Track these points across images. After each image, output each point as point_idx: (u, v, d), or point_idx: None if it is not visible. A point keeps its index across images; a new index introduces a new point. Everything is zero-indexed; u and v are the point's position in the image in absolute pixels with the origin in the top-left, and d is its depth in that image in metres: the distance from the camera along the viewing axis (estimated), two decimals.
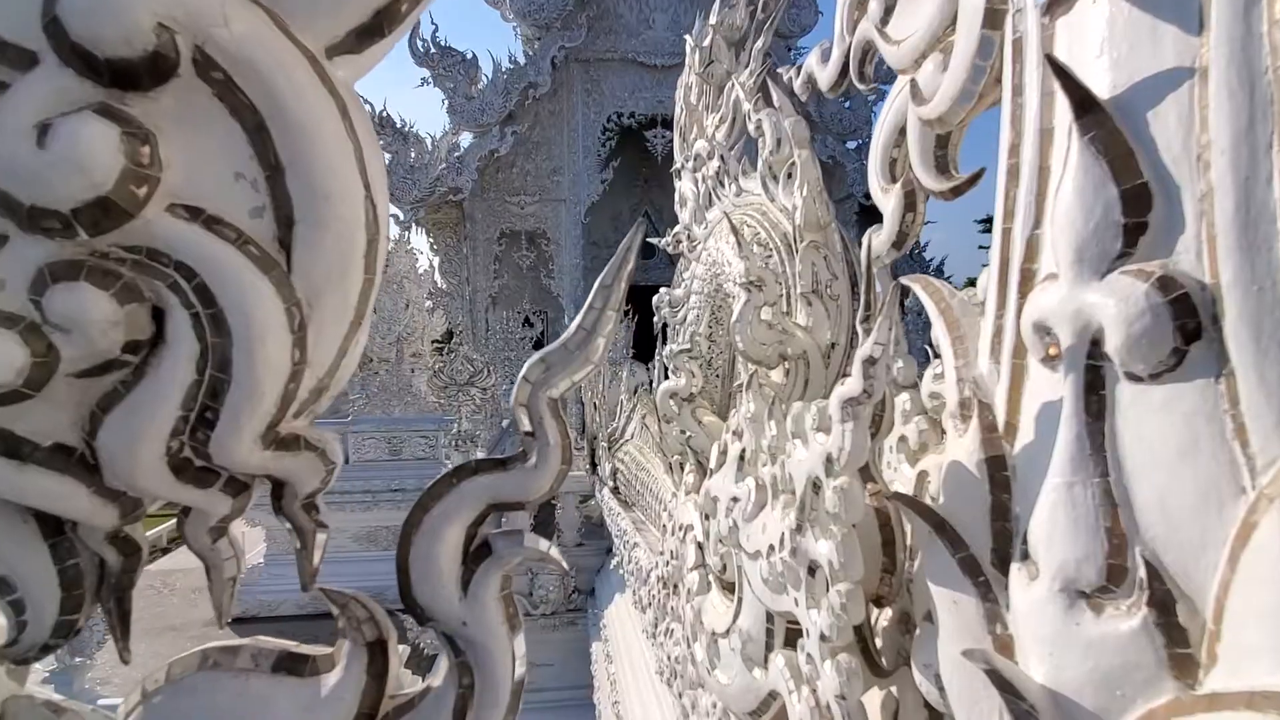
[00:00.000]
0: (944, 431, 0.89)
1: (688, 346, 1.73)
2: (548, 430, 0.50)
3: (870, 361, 0.70)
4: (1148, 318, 0.47)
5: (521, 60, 12.47)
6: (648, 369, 5.90)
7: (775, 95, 1.64)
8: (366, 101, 10.64)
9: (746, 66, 2.31)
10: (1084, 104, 0.52)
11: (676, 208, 3.01)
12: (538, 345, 13.95)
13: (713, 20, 2.60)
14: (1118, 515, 0.50)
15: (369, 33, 0.44)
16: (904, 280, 0.95)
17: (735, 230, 1.49)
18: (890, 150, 1.20)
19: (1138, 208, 0.49)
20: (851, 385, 0.73)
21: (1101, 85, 0.53)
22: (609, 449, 6.02)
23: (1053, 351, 0.56)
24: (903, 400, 1.12)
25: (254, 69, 0.38)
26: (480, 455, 7.44)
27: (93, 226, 0.36)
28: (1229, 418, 0.44)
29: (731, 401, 2.30)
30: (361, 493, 9.66)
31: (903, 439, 1.10)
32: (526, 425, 0.51)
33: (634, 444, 4.92)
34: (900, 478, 1.09)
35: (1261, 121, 0.43)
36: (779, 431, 0.99)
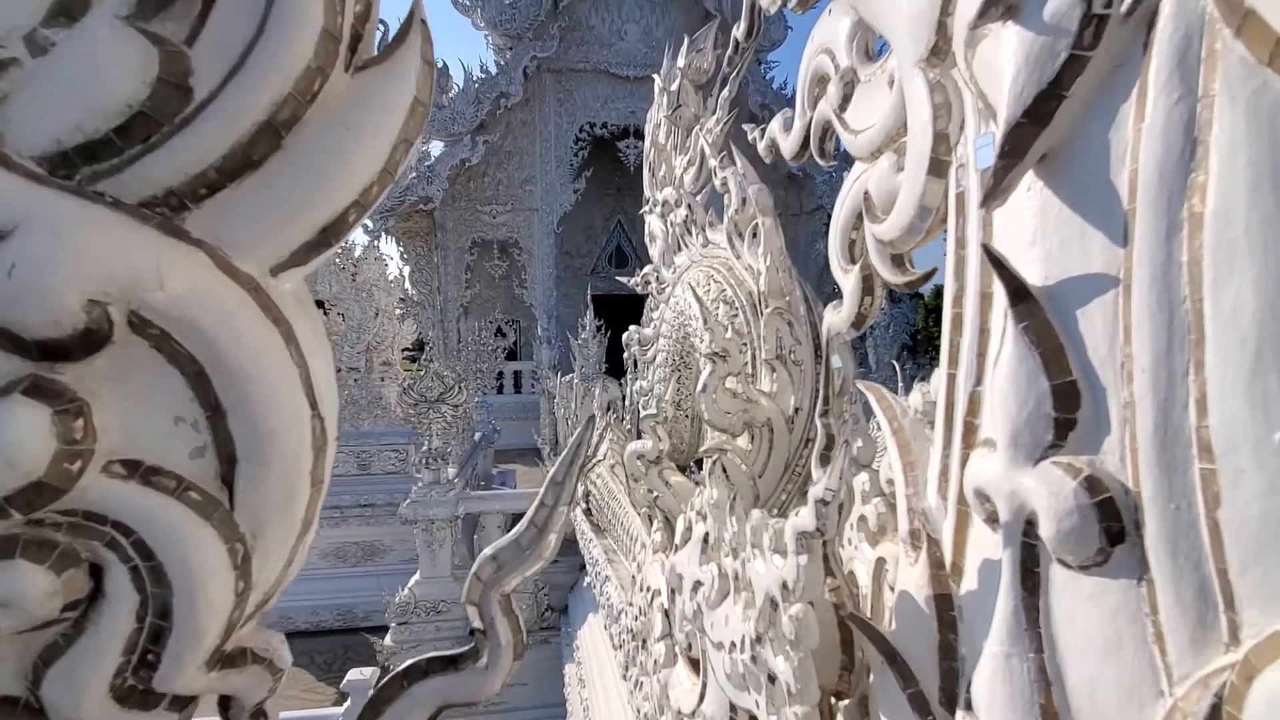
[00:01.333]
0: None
1: (654, 411, 1.74)
2: (499, 629, 0.50)
3: (823, 503, 0.71)
4: (1076, 517, 0.49)
5: (493, 70, 12.40)
6: (620, 384, 5.90)
7: (739, 162, 1.66)
8: None
9: (714, 114, 2.34)
10: (1018, 294, 0.54)
11: (646, 240, 3.02)
12: (511, 355, 13.85)
13: (680, 64, 2.62)
14: (1051, 694, 0.52)
15: (316, 246, 0.44)
16: (860, 385, 0.98)
17: (701, 302, 1.50)
18: (849, 232, 1.22)
19: (1067, 404, 0.51)
20: (805, 520, 0.74)
21: (1034, 274, 0.55)
22: (581, 468, 5.97)
23: (992, 517, 0.59)
24: (861, 481, 1.14)
25: (192, 324, 0.37)
26: (451, 472, 7.35)
27: (26, 507, 0.35)
28: (1150, 622, 0.46)
29: (700, 443, 2.31)
30: (330, 508, 9.48)
31: (862, 518, 1.13)
32: (477, 623, 0.51)
33: (606, 465, 4.91)
34: (861, 558, 1.12)
35: (1179, 348, 0.45)
36: (739, 529, 1.01)
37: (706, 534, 1.19)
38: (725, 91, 2.36)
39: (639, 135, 13.36)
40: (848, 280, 1.24)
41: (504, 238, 13.42)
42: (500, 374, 13.62)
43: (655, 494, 1.68)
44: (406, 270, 13.18)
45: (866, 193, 0.94)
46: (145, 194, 0.38)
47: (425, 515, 6.67)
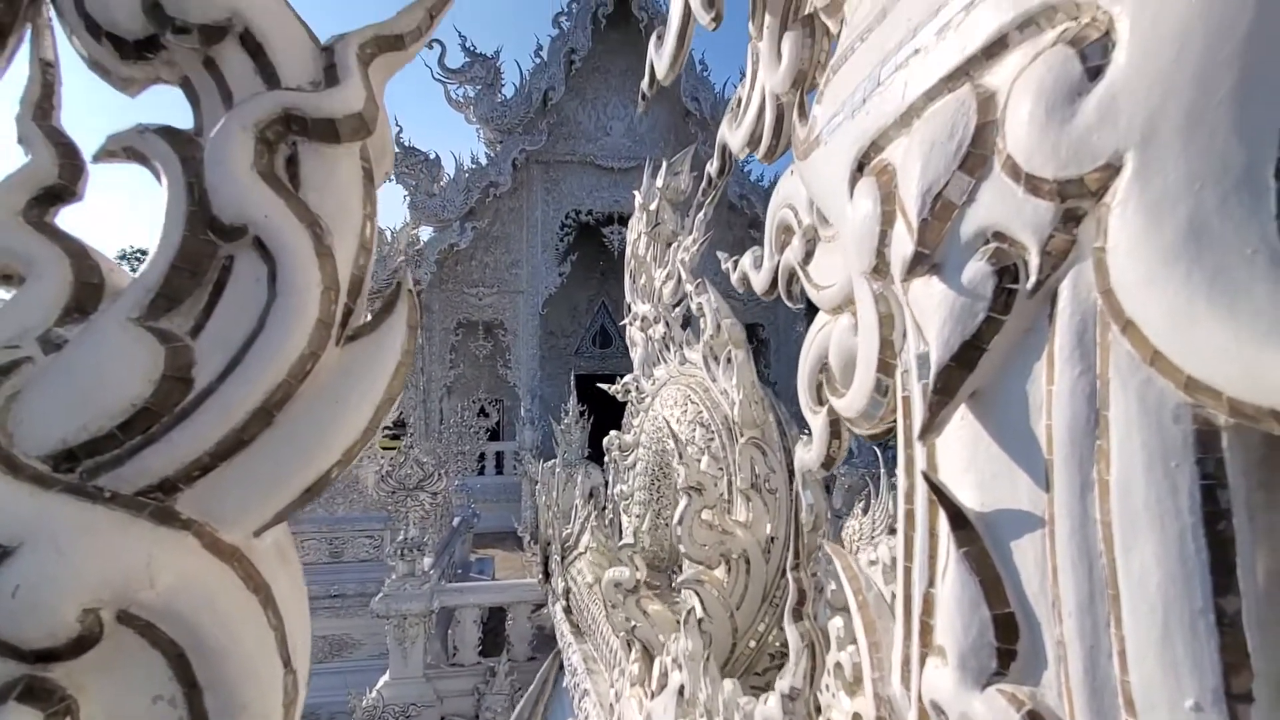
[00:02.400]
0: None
1: (630, 541, 1.75)
2: None
3: (789, 698, 0.73)
4: None
5: (483, 161, 12.92)
6: (603, 470, 5.85)
7: (712, 296, 1.74)
8: None
9: (690, 234, 2.46)
10: (957, 520, 0.58)
11: (627, 342, 3.10)
12: (493, 435, 13.72)
13: (659, 184, 2.77)
14: None
15: (299, 504, 0.47)
16: (828, 548, 1.00)
17: (676, 437, 1.54)
18: (816, 374, 1.28)
19: (1007, 635, 0.54)
20: (772, 711, 0.75)
21: (971, 498, 0.60)
22: (562, 560, 5.86)
23: None
24: (836, 626, 1.15)
25: (177, 615, 0.40)
26: (427, 562, 7.11)
27: None
28: None
29: (677, 560, 2.30)
30: None
31: (839, 665, 1.13)
32: None
33: (587, 559, 4.80)
34: (838, 708, 1.11)
35: (1100, 600, 0.49)
36: (713, 693, 1.00)
37: (682, 686, 1.18)
38: (702, 214, 2.49)
39: (623, 222, 13.88)
40: (816, 421, 1.29)
41: (489, 319, 13.59)
42: (482, 455, 13.44)
43: (633, 623, 1.66)
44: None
45: (826, 364, 1.00)
46: (142, 484, 0.42)
47: (398, 610, 6.41)
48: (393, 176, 12.55)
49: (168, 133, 0.48)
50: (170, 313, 0.45)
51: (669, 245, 2.68)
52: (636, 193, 3.02)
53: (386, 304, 0.51)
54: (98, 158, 0.50)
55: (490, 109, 12.90)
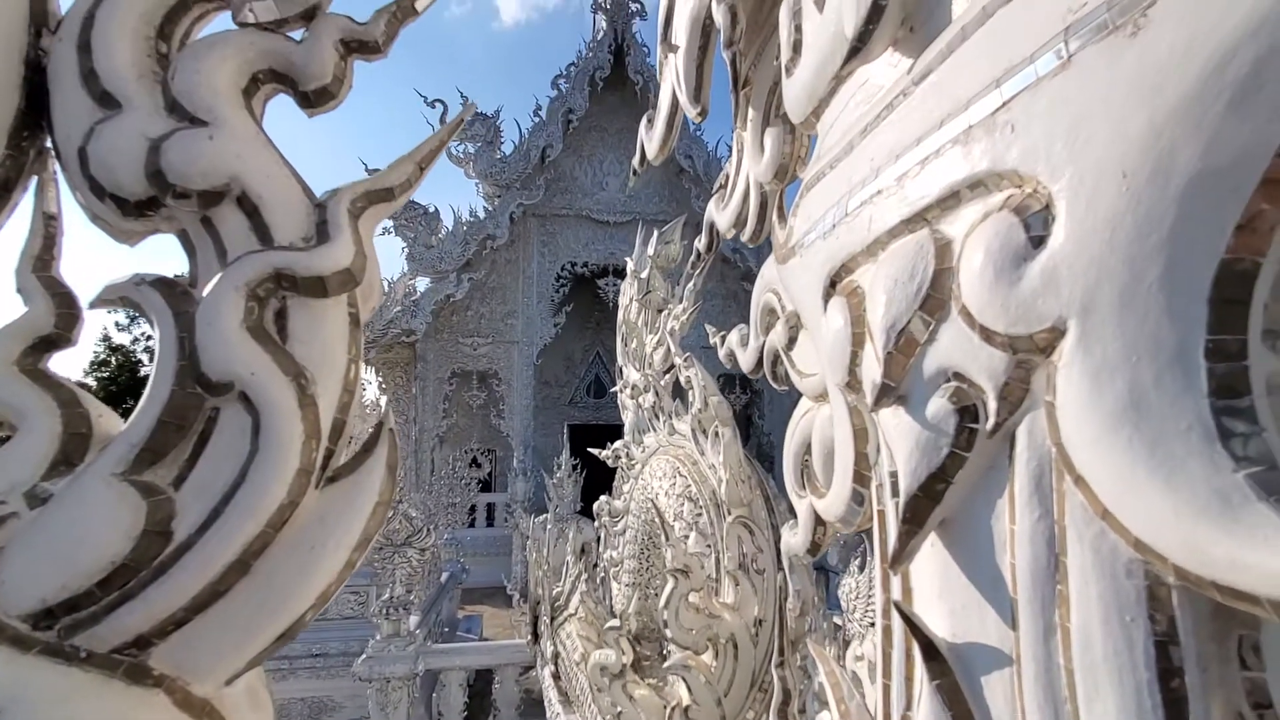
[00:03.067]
0: None
1: (616, 624, 1.72)
2: None
3: None
4: None
5: (481, 214, 13.18)
6: (595, 525, 5.76)
7: (700, 371, 1.77)
8: None
9: (680, 302, 2.50)
10: (929, 652, 0.59)
11: (619, 406, 3.11)
12: (485, 487, 13.56)
13: (650, 252, 2.84)
14: None
15: (270, 650, 0.48)
16: (812, 650, 1.00)
17: (663, 519, 1.54)
18: (801, 460, 1.29)
19: None
20: None
21: (942, 627, 0.60)
22: (551, 621, 5.71)
23: None
24: None
25: None
26: (413, 621, 6.91)
27: None
28: None
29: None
30: (278, 659, 8.74)
31: None
32: None
33: (577, 622, 4.69)
34: None
35: None
36: None
37: None
38: (692, 284, 2.53)
39: (617, 274, 14.08)
40: (801, 506, 1.29)
41: (484, 369, 13.61)
42: (472, 507, 13.25)
43: (619, 709, 1.62)
44: (383, 400, 13.16)
45: (806, 460, 1.02)
46: (117, 642, 0.42)
47: (381, 673, 6.20)
48: (391, 229, 12.77)
49: (163, 285, 0.50)
50: (155, 465, 0.46)
51: (660, 312, 2.73)
52: (629, 260, 3.08)
53: (366, 445, 0.52)
54: (94, 305, 0.52)
55: (490, 165, 13.24)
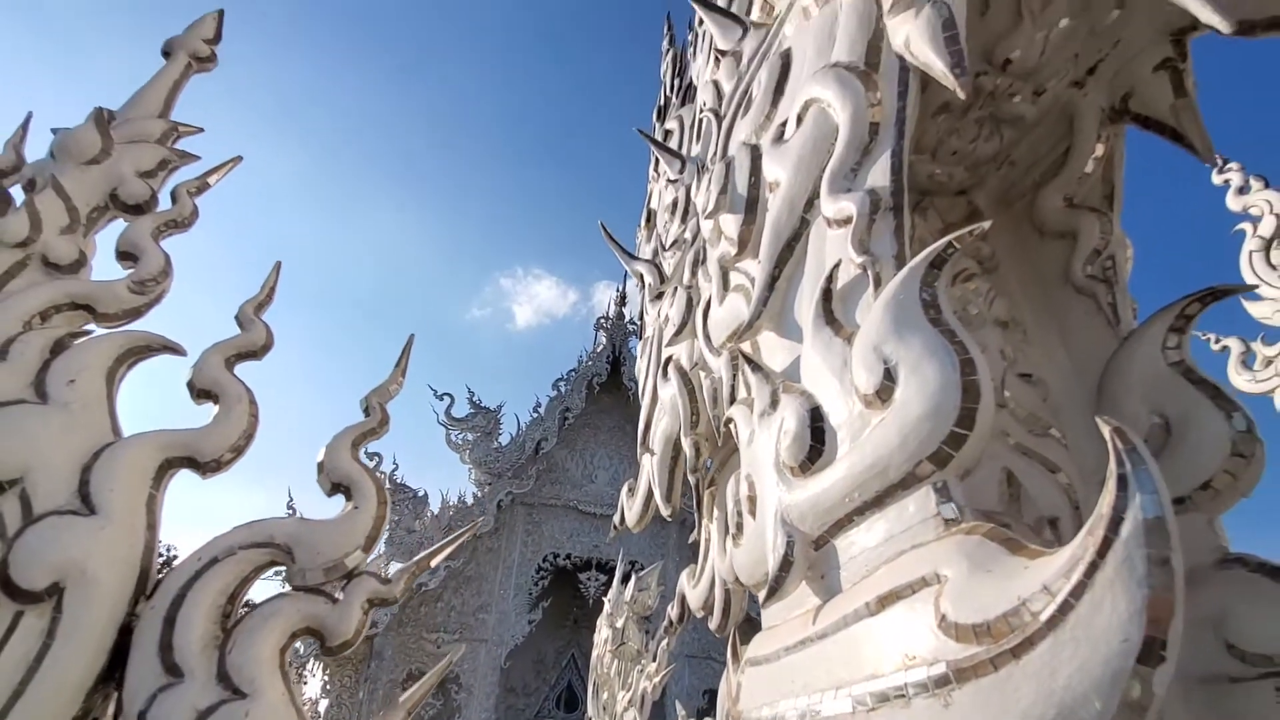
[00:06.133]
0: None
1: None
2: None
3: None
4: None
5: (470, 500, 13.30)
6: None
7: None
8: None
9: (654, 660, 2.47)
10: None
11: None
12: None
13: (626, 598, 2.88)
14: None
15: None
16: None
17: None
18: None
19: None
20: None
21: None
22: None
23: None
24: None
25: None
26: None
27: None
28: None
29: None
30: None
31: None
32: None
33: None
34: None
35: None
36: None
37: None
38: (665, 643, 2.53)
39: (601, 569, 13.68)
40: None
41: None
42: None
43: None
44: (323, 706, 11.64)
45: None
46: None
47: None
48: None
49: None
50: None
51: (632, 662, 2.67)
52: (606, 601, 3.11)
53: None
54: None
55: (485, 453, 13.79)
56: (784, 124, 1.32)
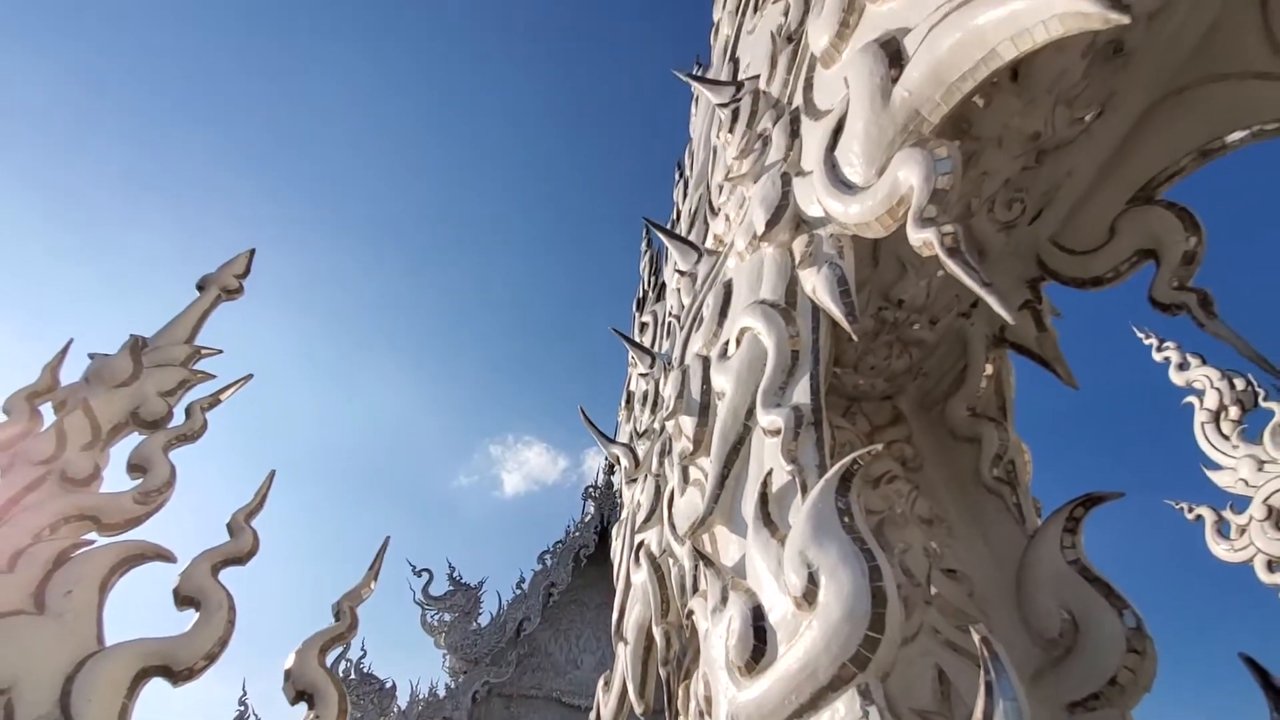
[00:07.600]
0: None
1: None
2: None
3: None
4: None
5: (441, 692, 12.17)
6: None
7: None
8: None
9: None
10: None
11: None
12: None
13: None
14: None
15: None
16: None
17: None
18: None
19: None
20: None
21: None
22: None
23: None
24: None
25: None
26: None
27: None
28: None
29: None
30: None
31: None
32: None
33: None
34: None
35: None
36: None
37: None
38: None
39: None
40: None
41: None
42: None
43: None
44: None
45: None
46: None
47: None
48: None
49: None
50: None
51: None
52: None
53: None
54: None
55: (462, 637, 12.87)
56: (727, 343, 1.54)
